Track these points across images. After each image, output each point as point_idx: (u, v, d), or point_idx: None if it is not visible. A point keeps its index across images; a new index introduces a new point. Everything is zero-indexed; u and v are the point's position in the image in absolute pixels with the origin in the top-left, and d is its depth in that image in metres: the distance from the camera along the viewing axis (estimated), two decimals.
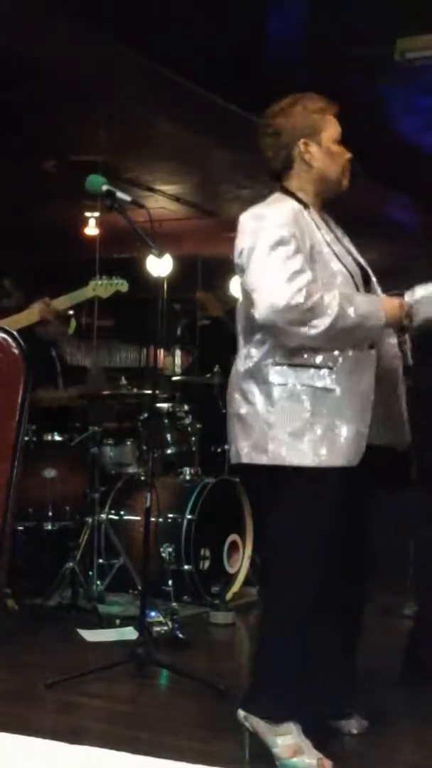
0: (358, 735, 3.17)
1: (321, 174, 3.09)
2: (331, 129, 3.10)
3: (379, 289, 3.22)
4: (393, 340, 3.13)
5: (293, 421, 2.91)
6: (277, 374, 2.95)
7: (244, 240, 2.97)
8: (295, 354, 2.94)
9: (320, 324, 2.85)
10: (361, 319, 2.90)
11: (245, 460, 3.00)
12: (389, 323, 2.99)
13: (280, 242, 2.89)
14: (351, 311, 2.88)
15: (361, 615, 3.23)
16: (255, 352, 3.01)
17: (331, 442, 2.92)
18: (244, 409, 3.00)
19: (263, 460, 2.95)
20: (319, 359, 2.93)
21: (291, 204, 3.03)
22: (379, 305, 2.98)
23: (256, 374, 2.99)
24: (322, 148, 3.08)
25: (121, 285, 5.09)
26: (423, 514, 4.04)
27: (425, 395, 3.76)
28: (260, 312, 2.87)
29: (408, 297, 3.15)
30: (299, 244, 2.91)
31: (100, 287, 5.07)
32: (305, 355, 2.93)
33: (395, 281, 3.35)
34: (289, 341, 2.92)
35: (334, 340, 2.91)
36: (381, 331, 3.00)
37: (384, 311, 2.96)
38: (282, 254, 2.88)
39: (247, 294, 2.99)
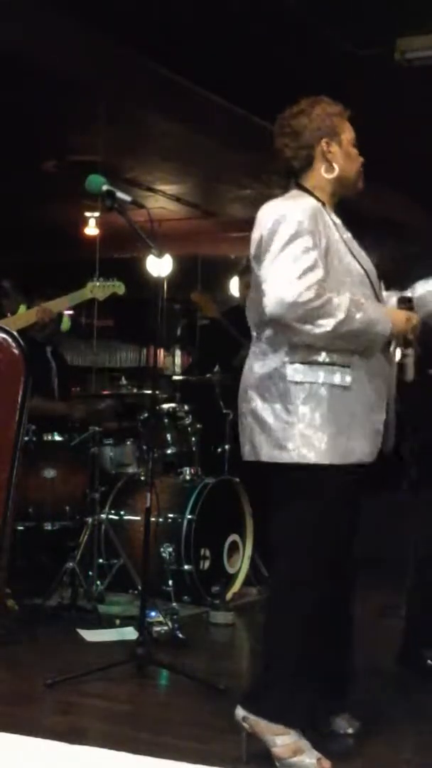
0: (357, 735, 3.16)
1: (341, 174, 3.14)
2: (349, 132, 3.18)
3: (384, 291, 3.24)
4: (390, 355, 3.14)
5: (312, 419, 2.93)
6: (295, 372, 2.96)
7: (261, 232, 2.99)
8: (313, 353, 2.96)
9: (326, 324, 2.87)
10: (367, 326, 2.94)
11: (265, 458, 3.01)
12: (395, 334, 3.02)
13: (297, 236, 2.90)
14: (359, 316, 2.91)
15: (353, 612, 3.23)
16: (271, 350, 3.03)
17: (348, 439, 2.95)
18: (260, 408, 3.02)
19: (284, 458, 2.96)
20: (336, 358, 2.96)
21: (311, 201, 3.05)
22: (387, 315, 3.01)
23: (273, 372, 3.00)
24: (342, 148, 3.14)
25: (118, 287, 5.10)
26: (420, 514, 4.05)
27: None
28: (269, 305, 2.89)
29: (409, 293, 3.20)
30: (315, 241, 2.93)
31: (97, 289, 5.08)
32: (323, 354, 2.96)
33: (396, 281, 3.35)
34: (294, 337, 2.94)
35: (338, 342, 2.93)
36: (385, 340, 3.04)
37: (391, 322, 2.99)
38: (297, 249, 2.89)
39: (259, 287, 2.99)
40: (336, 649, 3.11)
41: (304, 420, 2.94)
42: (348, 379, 2.96)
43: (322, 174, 3.13)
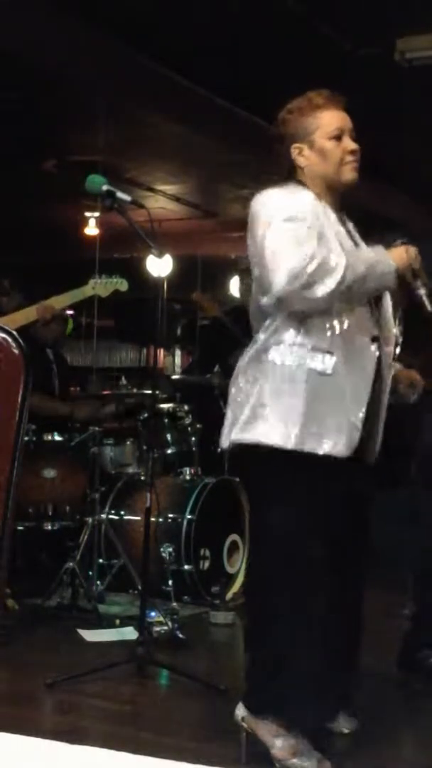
0: (355, 735, 3.17)
1: (318, 174, 3.09)
2: (326, 125, 3.08)
3: None
4: (390, 348, 3.13)
5: (287, 402, 2.90)
6: (277, 354, 2.95)
7: (258, 219, 2.97)
8: (296, 335, 2.93)
9: (332, 280, 2.83)
10: (370, 268, 2.90)
11: (233, 436, 2.98)
12: (400, 268, 2.95)
13: (294, 218, 2.90)
14: (358, 262, 2.89)
15: (362, 614, 3.22)
16: (261, 336, 3.02)
17: (321, 428, 2.90)
18: (240, 391, 3.00)
19: (248, 437, 2.93)
20: (318, 343, 2.93)
21: (306, 192, 3.05)
22: (385, 252, 2.97)
23: (259, 355, 2.99)
24: (314, 149, 3.08)
25: (120, 284, 5.08)
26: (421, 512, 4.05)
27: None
28: (274, 282, 2.84)
29: None
30: (312, 222, 2.92)
31: (100, 286, 5.06)
32: (306, 338, 2.93)
33: None
34: (304, 308, 2.89)
35: (348, 294, 2.89)
36: (394, 278, 2.95)
37: (392, 258, 2.95)
38: (293, 227, 2.88)
39: (258, 278, 2.98)
40: (337, 648, 3.10)
41: (277, 402, 2.90)
42: (329, 364, 2.91)
43: (307, 175, 3.09)
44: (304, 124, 3.09)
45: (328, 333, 2.94)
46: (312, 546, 2.92)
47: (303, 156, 3.09)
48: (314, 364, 2.92)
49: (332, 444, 2.91)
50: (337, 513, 2.97)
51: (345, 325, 2.97)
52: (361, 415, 2.97)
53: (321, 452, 2.90)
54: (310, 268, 2.81)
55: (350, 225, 3.16)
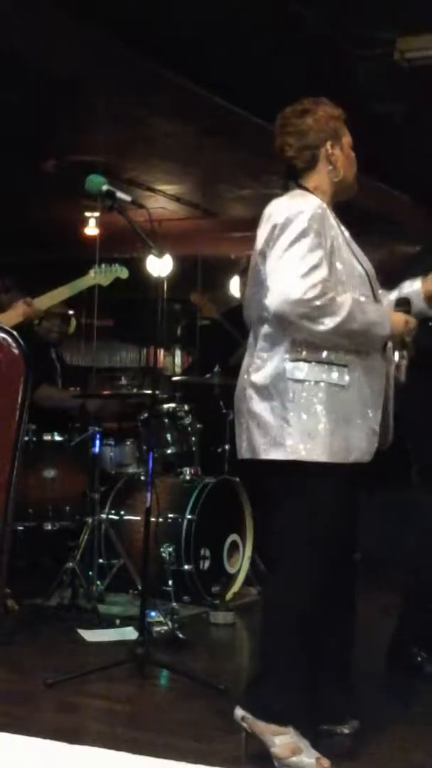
0: (356, 734, 3.16)
1: (342, 176, 3.15)
2: (348, 135, 3.19)
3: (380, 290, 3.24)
4: (387, 355, 3.15)
5: (310, 417, 2.94)
6: (295, 370, 2.97)
7: (269, 228, 2.99)
8: (312, 351, 2.97)
9: (330, 322, 2.89)
10: (367, 327, 2.96)
11: (263, 456, 3.01)
12: (393, 336, 3.05)
13: (304, 234, 2.91)
14: (360, 317, 2.94)
15: (356, 613, 3.23)
16: (269, 348, 3.03)
17: (346, 438, 2.96)
18: (258, 405, 3.02)
19: (280, 455, 2.97)
20: (335, 357, 2.98)
21: (317, 200, 3.05)
22: (387, 317, 3.04)
23: (272, 370, 3.01)
24: (344, 152, 3.16)
25: (121, 271, 5.04)
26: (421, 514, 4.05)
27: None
28: (273, 301, 2.90)
29: (396, 292, 3.24)
30: (321, 241, 2.94)
31: (100, 275, 5.03)
32: (323, 353, 2.97)
33: (396, 282, 3.35)
34: (296, 334, 2.95)
35: (338, 340, 2.95)
36: (383, 341, 3.06)
37: (390, 324, 3.02)
38: (304, 247, 2.90)
39: (262, 283, 3.00)
40: (336, 647, 3.11)
41: (302, 418, 2.94)
42: (346, 378, 2.97)
43: (325, 176, 3.13)
44: (335, 125, 3.15)
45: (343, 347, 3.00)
46: (338, 550, 3.01)
47: (335, 154, 3.13)
48: (331, 378, 2.97)
49: (359, 451, 2.99)
50: (352, 516, 3.09)
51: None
52: (379, 419, 3.05)
53: (351, 460, 2.97)
54: (315, 303, 2.86)
55: (348, 234, 3.17)
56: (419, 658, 3.88)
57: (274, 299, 2.90)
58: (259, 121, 6.81)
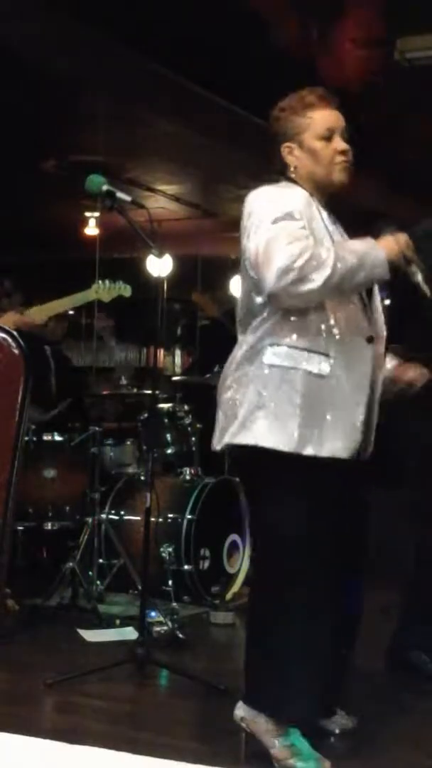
0: (354, 735, 3.17)
1: (308, 175, 3.08)
2: (317, 125, 3.06)
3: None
4: (381, 348, 3.12)
5: (284, 404, 2.88)
6: (273, 355, 2.93)
7: (250, 208, 2.96)
8: (291, 337, 2.92)
9: (322, 274, 2.80)
10: (360, 259, 2.86)
11: (229, 439, 2.96)
12: (391, 257, 2.92)
13: (288, 216, 2.88)
14: (348, 254, 2.86)
15: (360, 614, 3.23)
16: (251, 338, 2.99)
17: (319, 430, 2.89)
18: (235, 393, 2.98)
19: (246, 439, 2.91)
20: (314, 345, 2.92)
21: (299, 189, 3.03)
22: (372, 241, 2.94)
23: (253, 357, 2.97)
24: (303, 149, 3.07)
25: (124, 289, 5.06)
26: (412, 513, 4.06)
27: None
28: (265, 279, 2.83)
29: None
30: (304, 224, 2.91)
31: (103, 291, 5.04)
32: (301, 340, 2.91)
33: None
34: (297, 302, 2.87)
35: (340, 286, 2.86)
36: (384, 267, 2.91)
37: (383, 248, 2.92)
38: (286, 225, 2.86)
39: (246, 275, 2.98)
40: (332, 646, 3.10)
41: (274, 404, 2.88)
42: (325, 367, 2.90)
43: (297, 176, 3.08)
44: (295, 123, 3.07)
45: (324, 335, 2.93)
46: (312, 547, 2.91)
47: (293, 156, 3.07)
48: (310, 366, 2.91)
49: (333, 446, 2.91)
50: (335, 513, 2.96)
51: (341, 326, 2.96)
52: (362, 416, 2.97)
53: (323, 455, 2.89)
54: (298, 264, 2.78)
55: (341, 228, 3.15)
56: (423, 659, 3.88)
57: (264, 277, 2.82)
58: (259, 121, 6.80)
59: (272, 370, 2.92)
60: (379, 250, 2.90)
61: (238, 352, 3.04)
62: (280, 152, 3.09)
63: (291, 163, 3.08)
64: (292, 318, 2.92)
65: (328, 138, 3.05)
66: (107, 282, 5.05)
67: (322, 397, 2.91)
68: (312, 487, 2.90)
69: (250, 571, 5.37)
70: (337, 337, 2.95)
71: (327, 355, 2.92)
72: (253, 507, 3.06)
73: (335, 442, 2.91)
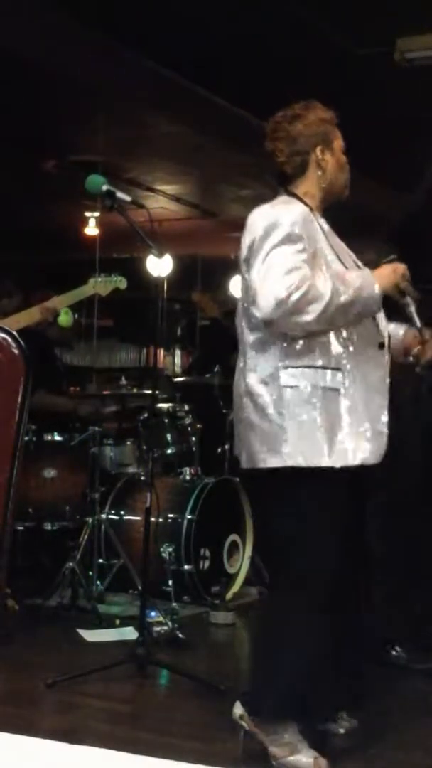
0: (353, 735, 3.17)
1: (332, 181, 3.14)
2: (340, 139, 3.18)
3: None
4: (386, 357, 3.14)
5: (307, 422, 2.93)
6: (288, 377, 2.96)
7: (252, 237, 2.99)
8: (304, 356, 2.96)
9: (315, 309, 2.86)
10: (355, 294, 2.92)
11: (261, 465, 3.00)
12: (386, 289, 2.98)
13: (286, 240, 2.91)
14: (343, 288, 2.90)
15: (362, 616, 3.24)
16: (261, 356, 3.02)
17: (345, 441, 2.95)
18: (254, 414, 3.02)
19: (278, 462, 2.96)
20: (327, 361, 2.96)
21: (301, 206, 3.05)
22: (370, 276, 2.99)
23: (266, 378, 3.00)
24: (334, 156, 3.14)
25: (120, 282, 5.08)
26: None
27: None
28: (260, 307, 2.88)
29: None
30: (305, 246, 2.93)
31: (100, 285, 5.06)
32: (314, 358, 2.96)
33: None
34: (290, 331, 2.93)
35: (333, 320, 2.92)
36: (378, 301, 2.98)
37: (377, 280, 2.97)
38: (286, 252, 2.90)
39: (248, 290, 3.00)
40: (338, 649, 3.11)
41: (298, 424, 2.93)
42: (340, 381, 2.96)
43: (315, 181, 3.12)
44: (325, 129, 3.14)
45: (337, 350, 2.98)
46: (342, 554, 2.98)
47: (325, 159, 3.12)
48: (326, 382, 2.95)
49: (362, 454, 2.97)
50: (354, 520, 3.06)
51: (354, 339, 3.01)
52: (385, 419, 3.03)
53: (355, 463, 2.96)
54: (295, 297, 2.83)
55: (337, 239, 3.16)
56: (394, 652, 3.93)
57: (260, 305, 2.88)
58: (259, 122, 6.80)
59: (290, 391, 2.96)
60: (374, 286, 2.96)
61: (250, 369, 3.05)
62: (305, 152, 3.10)
63: (323, 165, 3.11)
64: (304, 339, 2.96)
65: (345, 155, 3.17)
66: (103, 276, 5.07)
67: (342, 409, 2.96)
68: (341, 497, 2.97)
69: (250, 572, 5.38)
70: (351, 349, 3.00)
71: (341, 369, 2.97)
72: (288, 524, 3.06)
73: (362, 450, 2.97)
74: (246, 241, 3.01)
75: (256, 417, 3.01)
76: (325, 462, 2.92)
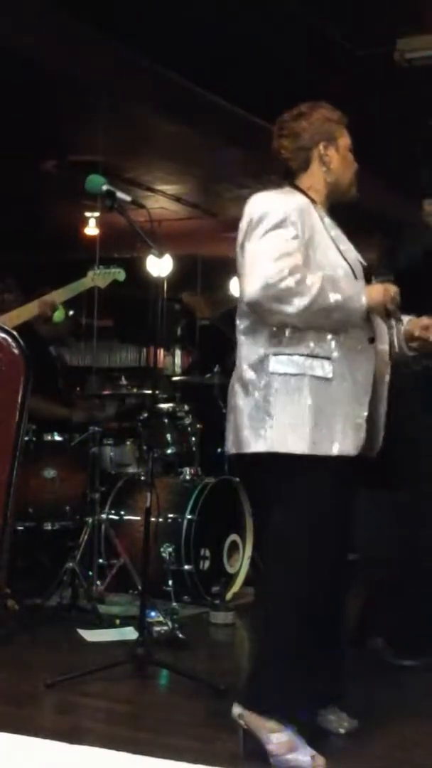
0: (352, 735, 3.17)
1: (336, 177, 3.18)
2: (346, 138, 3.21)
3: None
4: (384, 346, 3.15)
5: (293, 410, 2.95)
6: (278, 364, 2.99)
7: (247, 220, 3.03)
8: (293, 344, 2.98)
9: (300, 302, 2.88)
10: (341, 302, 2.93)
11: (245, 448, 3.02)
12: (372, 307, 3.00)
13: (280, 225, 2.94)
14: (331, 292, 2.92)
15: (345, 606, 3.25)
16: (252, 342, 3.05)
17: (330, 431, 2.96)
18: (242, 400, 3.04)
19: (261, 447, 2.98)
20: (318, 350, 2.98)
21: (300, 197, 3.09)
22: (361, 289, 3.01)
23: (255, 363, 3.03)
24: (339, 153, 3.18)
25: (118, 274, 5.05)
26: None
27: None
28: (245, 289, 2.92)
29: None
30: (299, 233, 2.96)
31: (98, 277, 5.03)
32: (304, 345, 2.98)
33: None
34: (270, 319, 2.96)
35: (315, 319, 2.94)
36: (361, 315, 3.00)
37: (366, 295, 2.98)
38: (278, 236, 2.93)
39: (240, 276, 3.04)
40: (331, 645, 3.12)
41: (284, 410, 2.95)
42: (329, 370, 2.97)
43: (319, 176, 3.17)
44: (333, 127, 3.18)
45: (326, 339, 2.99)
46: (328, 545, 2.99)
47: (329, 155, 3.15)
48: (315, 371, 2.97)
49: (341, 445, 2.98)
50: (342, 513, 3.07)
51: (343, 330, 3.02)
52: (365, 413, 3.04)
53: (334, 453, 2.96)
54: (284, 284, 2.86)
55: (342, 233, 3.18)
56: (379, 645, 3.96)
57: (246, 286, 2.92)
58: (259, 121, 6.81)
59: (279, 378, 2.98)
60: (362, 301, 2.97)
61: (243, 361, 3.08)
62: (309, 148, 3.14)
63: (326, 161, 3.14)
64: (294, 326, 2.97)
65: (352, 153, 3.21)
66: (101, 268, 5.05)
67: (329, 399, 2.98)
68: (326, 486, 2.98)
69: (250, 572, 5.38)
70: (342, 340, 3.01)
71: (330, 359, 2.99)
72: (269, 511, 3.08)
73: (344, 441, 2.98)
74: (242, 225, 3.05)
75: (244, 402, 3.04)
76: (307, 450, 2.93)
